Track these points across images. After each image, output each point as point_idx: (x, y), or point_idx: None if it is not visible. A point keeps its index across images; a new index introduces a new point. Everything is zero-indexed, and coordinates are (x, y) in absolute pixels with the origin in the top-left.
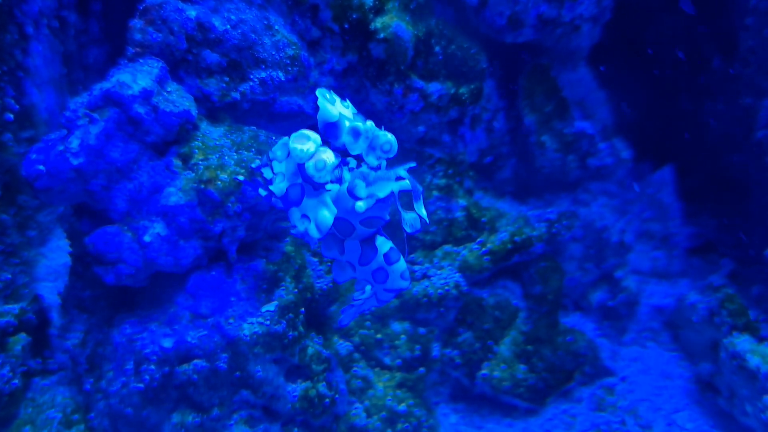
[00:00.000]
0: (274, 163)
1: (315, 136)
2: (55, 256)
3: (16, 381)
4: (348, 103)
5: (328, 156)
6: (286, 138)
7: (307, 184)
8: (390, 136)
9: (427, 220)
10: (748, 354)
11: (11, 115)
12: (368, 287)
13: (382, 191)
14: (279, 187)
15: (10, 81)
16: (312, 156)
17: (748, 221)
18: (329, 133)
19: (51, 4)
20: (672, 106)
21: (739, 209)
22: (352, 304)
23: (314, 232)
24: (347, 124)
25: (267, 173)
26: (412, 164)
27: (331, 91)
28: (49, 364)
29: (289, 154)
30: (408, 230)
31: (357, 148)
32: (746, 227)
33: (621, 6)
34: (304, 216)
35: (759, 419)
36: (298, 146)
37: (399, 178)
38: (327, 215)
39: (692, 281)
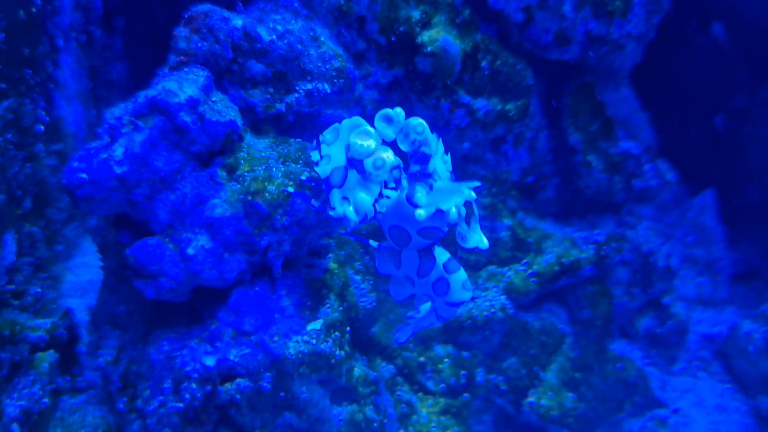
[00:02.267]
0: (323, 146)
1: (376, 134)
2: (81, 272)
3: (46, 400)
4: (448, 158)
5: (388, 155)
6: (337, 123)
7: (352, 170)
8: (420, 119)
9: (486, 245)
10: None
11: (42, 127)
12: (423, 307)
13: (445, 203)
14: (324, 168)
15: (41, 92)
16: (372, 153)
17: None
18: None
19: (80, 18)
20: (712, 128)
21: None
22: (407, 322)
23: (352, 215)
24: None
25: (314, 156)
26: (477, 183)
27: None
28: (78, 382)
29: (338, 138)
30: (463, 245)
31: (390, 133)
32: None
33: (663, 26)
34: (345, 198)
35: None
36: (359, 141)
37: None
38: (366, 198)
39: (739, 309)
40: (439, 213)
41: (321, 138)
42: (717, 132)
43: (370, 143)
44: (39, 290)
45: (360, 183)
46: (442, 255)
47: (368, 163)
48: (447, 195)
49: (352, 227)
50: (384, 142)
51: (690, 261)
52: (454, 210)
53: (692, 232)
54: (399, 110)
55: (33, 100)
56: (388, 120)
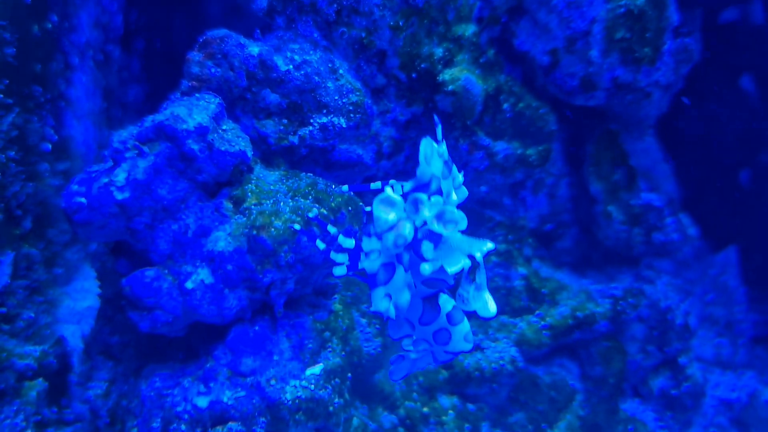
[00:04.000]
0: (373, 239)
1: (399, 201)
2: (80, 297)
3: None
4: (444, 147)
5: (408, 230)
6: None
7: (400, 267)
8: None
9: (493, 312)
10: None
11: (49, 146)
12: (420, 347)
13: (451, 265)
14: (372, 264)
15: (51, 110)
16: (393, 227)
17: None
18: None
19: (98, 36)
20: (737, 183)
21: None
22: (402, 356)
23: (391, 314)
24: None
25: (366, 245)
26: (492, 246)
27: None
28: (66, 414)
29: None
30: (461, 307)
31: (421, 217)
32: None
33: (690, 77)
34: (387, 295)
35: None
36: (383, 215)
37: (472, 257)
38: (407, 296)
39: (759, 374)
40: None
41: (371, 229)
42: (742, 188)
43: (392, 216)
44: (32, 315)
45: (406, 282)
46: (447, 304)
47: (389, 239)
48: (455, 253)
49: (387, 320)
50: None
51: (709, 320)
52: (426, 266)
53: (713, 290)
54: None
55: (41, 117)
56: (390, 204)
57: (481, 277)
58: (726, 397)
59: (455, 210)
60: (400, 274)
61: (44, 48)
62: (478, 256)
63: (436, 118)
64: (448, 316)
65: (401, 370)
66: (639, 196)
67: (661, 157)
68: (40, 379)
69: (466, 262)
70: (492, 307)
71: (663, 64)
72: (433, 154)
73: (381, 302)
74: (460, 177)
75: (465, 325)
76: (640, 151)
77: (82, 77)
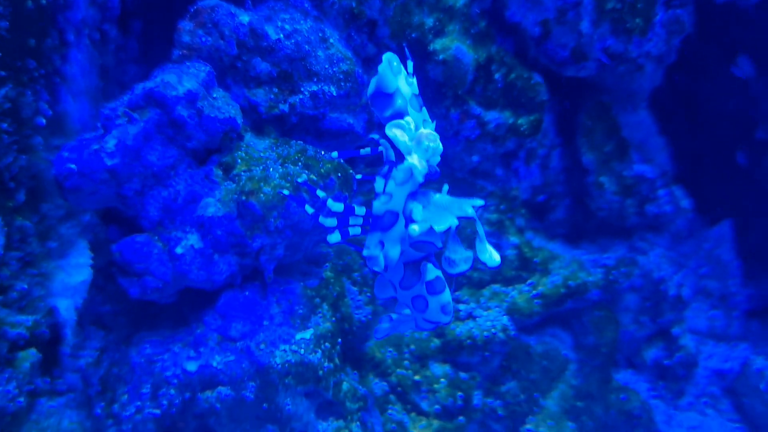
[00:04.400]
0: (391, 183)
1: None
2: (74, 272)
3: (21, 400)
4: (413, 80)
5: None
6: (410, 163)
7: (401, 221)
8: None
9: (497, 262)
10: None
11: (43, 120)
12: (405, 311)
13: (440, 224)
14: (380, 207)
15: (45, 85)
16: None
17: None
18: (378, 103)
19: (94, 15)
20: (730, 159)
21: None
22: (390, 316)
23: (380, 263)
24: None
25: (378, 186)
26: (480, 202)
27: (399, 62)
28: (58, 384)
29: (408, 181)
30: (448, 270)
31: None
32: None
33: (685, 51)
34: (381, 242)
35: None
36: (399, 137)
37: (461, 215)
38: (398, 252)
39: (752, 346)
40: (433, 229)
41: (395, 172)
42: (737, 162)
43: (408, 140)
44: (25, 286)
45: (402, 238)
46: (430, 273)
47: (416, 162)
48: (444, 213)
49: (375, 270)
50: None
51: (703, 293)
52: (415, 227)
53: (707, 263)
54: (409, 119)
55: (35, 91)
56: (399, 127)
57: (480, 229)
58: (719, 368)
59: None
60: (400, 227)
61: (39, 23)
62: (470, 211)
63: (406, 50)
64: (428, 284)
65: (384, 330)
66: (631, 168)
67: (655, 130)
68: (34, 350)
69: (453, 222)
70: (496, 256)
71: (654, 34)
72: (399, 68)
73: (373, 248)
74: (432, 124)
75: (443, 297)
76: (633, 124)
77: (78, 55)
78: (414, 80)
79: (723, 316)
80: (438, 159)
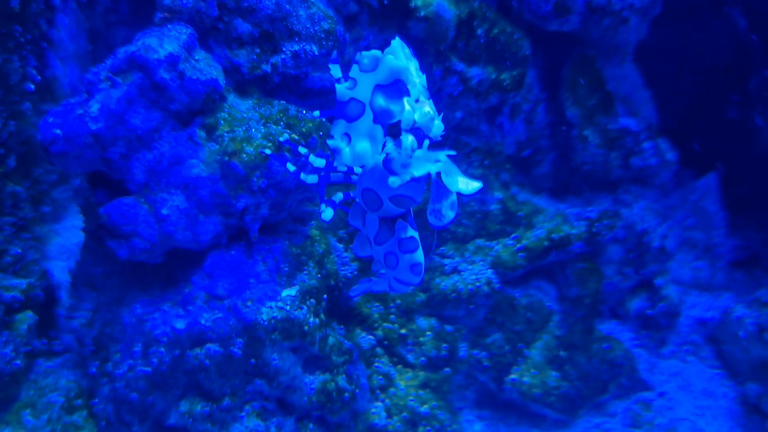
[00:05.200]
0: (354, 68)
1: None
2: (69, 235)
3: (19, 361)
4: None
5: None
6: (379, 52)
7: (369, 112)
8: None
9: (479, 184)
10: None
11: (32, 86)
12: (381, 272)
13: (419, 170)
14: (344, 91)
15: (32, 51)
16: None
17: None
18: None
19: None
20: (719, 111)
21: None
22: (369, 278)
23: (346, 157)
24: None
25: (335, 71)
26: (452, 152)
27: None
28: (55, 345)
29: (375, 69)
30: (433, 223)
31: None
32: None
33: (671, 3)
34: (347, 134)
35: None
36: (409, 110)
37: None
38: (367, 148)
39: (736, 295)
40: (413, 181)
41: (358, 57)
42: (723, 114)
43: (416, 117)
44: (19, 251)
45: (370, 130)
46: (404, 230)
47: (408, 140)
48: (423, 163)
49: (339, 165)
50: None
51: (688, 244)
52: (395, 179)
53: (692, 215)
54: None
55: (22, 57)
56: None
57: (453, 166)
58: (701, 317)
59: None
60: (367, 119)
61: None
62: (442, 156)
63: (406, 43)
64: (401, 241)
65: (357, 289)
66: (616, 121)
67: (641, 83)
68: (30, 313)
69: (432, 168)
70: (475, 183)
71: None
72: (411, 55)
73: (338, 138)
74: (434, 110)
75: (415, 257)
76: (618, 77)
77: (65, 19)
78: (423, 76)
79: (707, 267)
80: (432, 128)
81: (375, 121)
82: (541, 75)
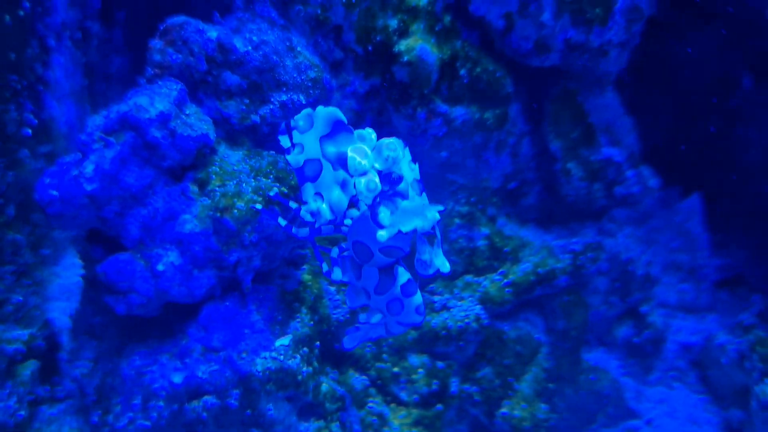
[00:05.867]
0: (295, 133)
1: (369, 153)
2: (69, 274)
3: (23, 412)
4: (416, 166)
5: (378, 180)
6: (310, 109)
7: (327, 165)
8: (393, 138)
9: (447, 269)
10: None
11: (29, 131)
12: (374, 318)
13: (406, 225)
14: (296, 159)
15: (29, 96)
16: (366, 173)
17: None
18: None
19: (75, 15)
20: (701, 131)
21: None
22: (357, 326)
23: (326, 213)
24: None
25: (284, 142)
26: (441, 207)
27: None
28: (57, 391)
29: (312, 126)
30: (421, 272)
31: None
32: None
33: (650, 28)
34: (318, 194)
35: None
36: (358, 158)
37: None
38: (343, 197)
39: (721, 317)
40: (401, 234)
41: (293, 123)
42: (705, 134)
43: (365, 162)
44: (21, 298)
45: (336, 181)
46: (402, 276)
47: (361, 183)
48: (410, 217)
49: (322, 224)
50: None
51: (673, 267)
52: (383, 233)
53: (677, 236)
54: (370, 130)
55: (19, 105)
56: (360, 139)
57: (438, 234)
58: (686, 341)
59: (396, 142)
60: (328, 172)
61: (18, 36)
62: (433, 215)
63: (403, 145)
64: (402, 287)
65: (354, 339)
66: (599, 151)
67: (623, 111)
68: (33, 360)
69: (419, 224)
70: (447, 264)
71: (614, 23)
72: (406, 152)
73: (312, 201)
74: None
75: (417, 298)
76: (600, 107)
77: (60, 58)
78: (416, 167)
79: (692, 289)
80: (403, 166)
81: (335, 168)
82: (524, 109)
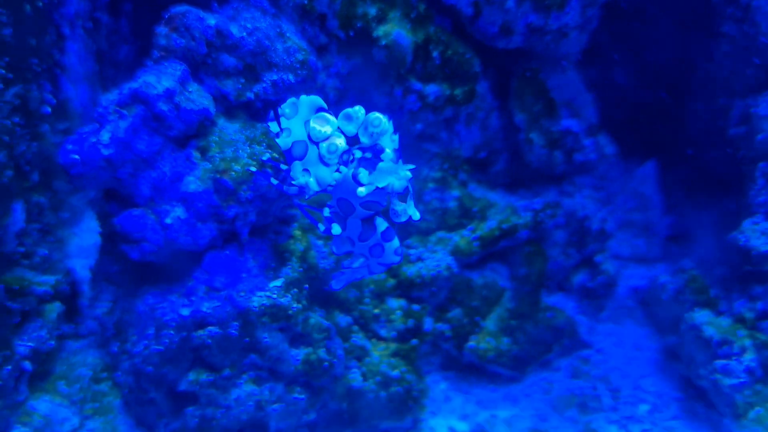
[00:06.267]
0: (282, 119)
1: (333, 120)
2: (86, 236)
3: (52, 342)
4: (396, 137)
5: (341, 141)
6: (294, 98)
7: (313, 146)
8: (378, 113)
9: (417, 217)
10: (704, 326)
11: (49, 109)
12: (357, 261)
13: (381, 182)
14: (285, 141)
15: (48, 78)
16: (327, 138)
17: (723, 211)
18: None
19: (86, 6)
20: (658, 105)
21: (716, 201)
22: (342, 270)
23: (314, 185)
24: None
25: (273, 127)
26: (412, 166)
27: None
28: (80, 329)
29: (297, 112)
30: (395, 220)
31: (352, 129)
32: (720, 217)
33: (610, 11)
34: (306, 170)
35: (709, 381)
36: (318, 127)
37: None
38: (327, 172)
39: (668, 266)
40: (377, 190)
41: (280, 111)
42: (660, 108)
43: (327, 129)
44: (46, 252)
45: (320, 157)
46: (381, 224)
47: (323, 147)
48: (385, 175)
49: (311, 195)
50: (348, 138)
51: (628, 225)
52: (362, 189)
53: (632, 199)
54: (359, 108)
55: (39, 85)
56: (348, 118)
57: (410, 189)
58: (636, 285)
59: (381, 118)
60: (313, 151)
61: (37, 24)
62: (403, 173)
63: (391, 121)
64: (383, 233)
65: (341, 281)
66: (559, 123)
67: (583, 87)
68: (58, 303)
69: (392, 181)
70: (417, 213)
71: (571, 8)
72: (389, 125)
73: (300, 176)
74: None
75: (395, 242)
76: (563, 84)
77: (74, 45)
78: (397, 137)
79: (645, 243)
80: (387, 139)
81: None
82: (493, 86)
